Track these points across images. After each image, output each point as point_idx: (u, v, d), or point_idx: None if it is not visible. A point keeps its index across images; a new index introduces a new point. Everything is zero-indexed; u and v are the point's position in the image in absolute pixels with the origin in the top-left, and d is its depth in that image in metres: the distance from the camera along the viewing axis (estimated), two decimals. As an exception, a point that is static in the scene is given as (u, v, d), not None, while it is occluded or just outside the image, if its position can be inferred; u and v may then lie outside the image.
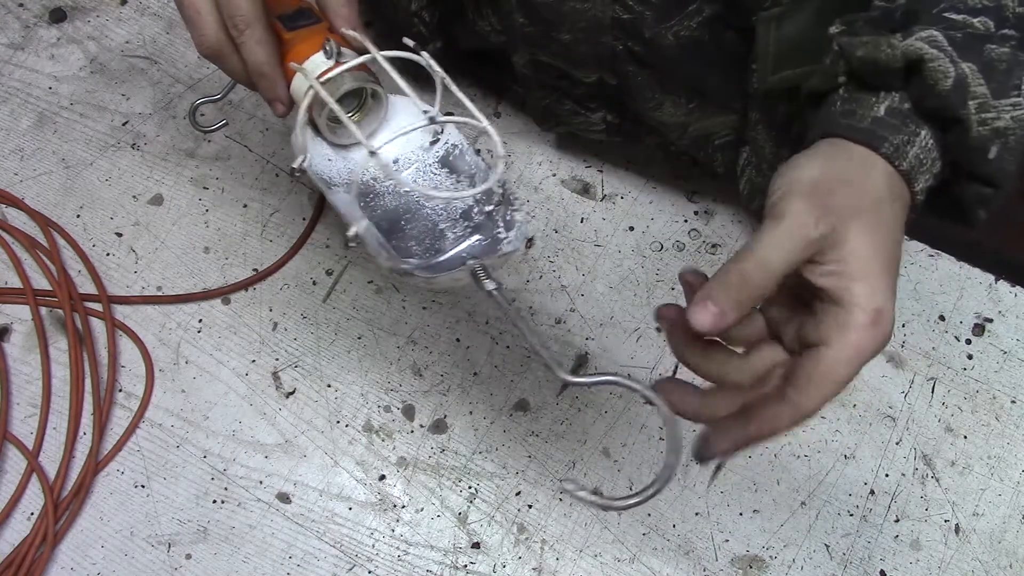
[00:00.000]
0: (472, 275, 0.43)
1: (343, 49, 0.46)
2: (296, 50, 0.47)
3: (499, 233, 0.47)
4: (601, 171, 0.74)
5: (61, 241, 0.70)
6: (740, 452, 0.40)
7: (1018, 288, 0.70)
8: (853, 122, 0.41)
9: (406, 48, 0.46)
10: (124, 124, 0.75)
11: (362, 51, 0.46)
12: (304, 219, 0.71)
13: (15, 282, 0.69)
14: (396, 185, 0.49)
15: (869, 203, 0.39)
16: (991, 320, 0.68)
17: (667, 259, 0.71)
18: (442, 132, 0.49)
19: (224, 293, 0.69)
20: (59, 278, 0.68)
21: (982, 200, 0.43)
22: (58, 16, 0.80)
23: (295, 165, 0.45)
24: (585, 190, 0.73)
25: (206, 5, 0.45)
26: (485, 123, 0.44)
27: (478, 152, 0.49)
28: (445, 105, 0.46)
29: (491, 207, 0.47)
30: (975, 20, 0.41)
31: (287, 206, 0.72)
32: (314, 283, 0.69)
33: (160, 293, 0.69)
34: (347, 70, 0.45)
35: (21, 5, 0.80)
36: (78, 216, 0.71)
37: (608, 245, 0.71)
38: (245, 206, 0.72)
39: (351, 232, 0.43)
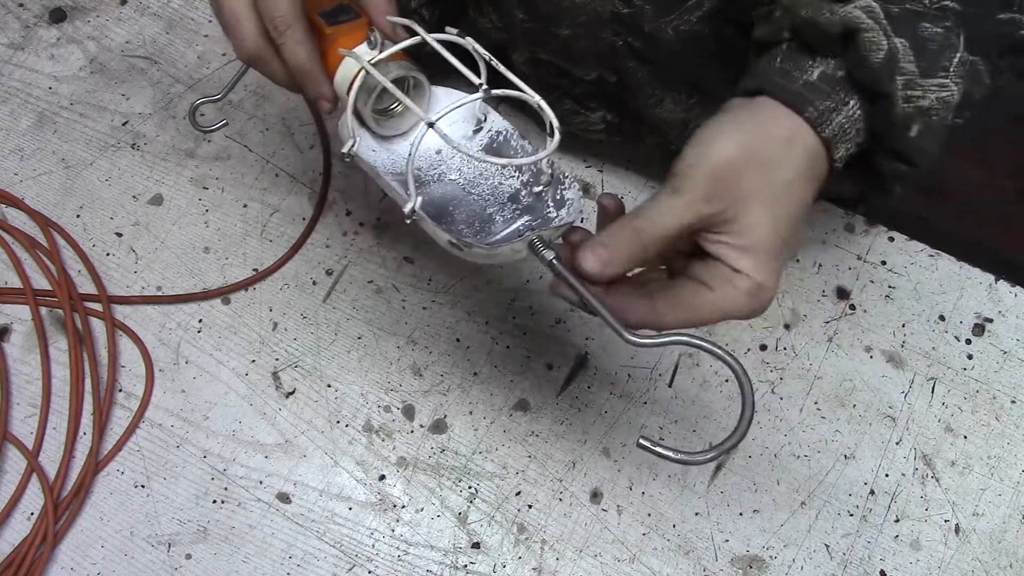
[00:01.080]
0: (530, 246, 0.44)
1: (385, 41, 0.47)
2: (338, 44, 0.47)
3: (549, 212, 0.47)
4: (601, 171, 0.74)
5: (61, 241, 0.70)
6: (571, 296, 0.42)
7: (1018, 288, 0.70)
8: (786, 82, 0.42)
9: (449, 34, 0.46)
10: (124, 124, 0.75)
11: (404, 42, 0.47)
12: (304, 219, 0.71)
13: (15, 282, 0.69)
14: (452, 161, 0.49)
15: (778, 186, 0.40)
16: (991, 320, 0.68)
17: (667, 259, 0.71)
18: (485, 120, 0.49)
19: (224, 293, 0.69)
20: (59, 278, 0.68)
21: (899, 176, 0.44)
22: (58, 16, 0.80)
23: (344, 150, 0.46)
24: (585, 190, 0.73)
25: (245, 11, 0.45)
26: (536, 97, 0.44)
27: (523, 137, 0.49)
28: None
29: (540, 188, 0.47)
30: None
31: (287, 206, 0.72)
32: (314, 283, 0.69)
33: (160, 293, 0.69)
34: (394, 52, 0.45)
35: (21, 5, 0.80)
36: (78, 216, 0.71)
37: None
38: (245, 206, 0.72)
39: (408, 207, 0.44)
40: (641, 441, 0.41)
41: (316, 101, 0.48)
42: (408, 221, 0.44)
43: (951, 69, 0.41)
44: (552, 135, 0.44)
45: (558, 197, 0.47)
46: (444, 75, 0.49)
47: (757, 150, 0.41)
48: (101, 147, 0.74)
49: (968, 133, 0.47)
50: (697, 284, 0.41)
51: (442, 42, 0.46)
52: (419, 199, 0.44)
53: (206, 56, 0.78)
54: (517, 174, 0.49)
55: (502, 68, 0.45)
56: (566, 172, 0.47)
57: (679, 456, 0.40)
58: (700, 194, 0.40)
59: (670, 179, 0.40)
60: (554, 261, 0.43)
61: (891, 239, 0.71)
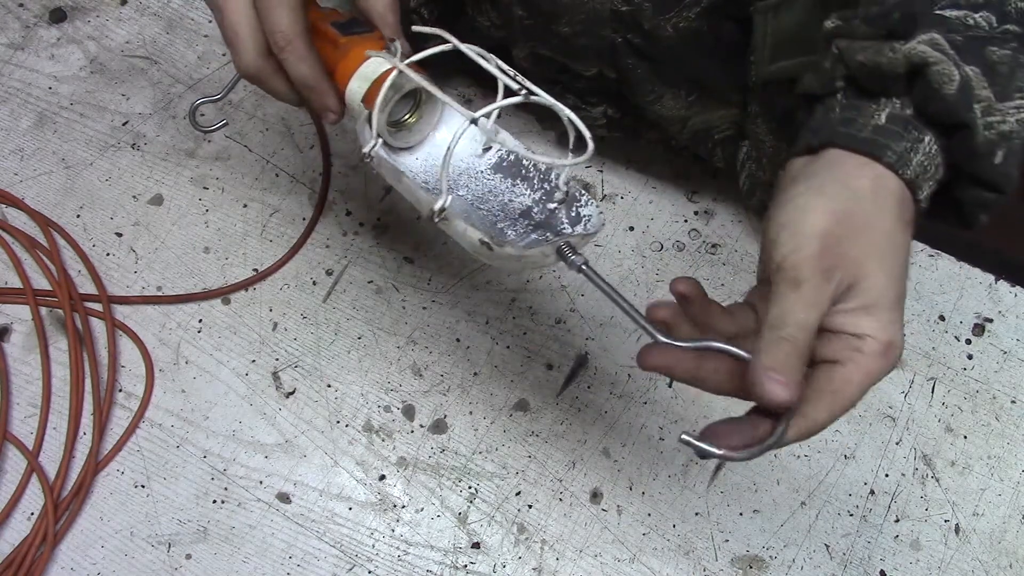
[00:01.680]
0: (558, 252, 0.43)
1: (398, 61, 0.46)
2: (352, 54, 0.47)
3: (563, 228, 0.46)
4: (601, 171, 0.74)
5: (61, 241, 0.70)
6: (742, 456, 0.40)
7: (1018, 288, 0.70)
8: (853, 131, 0.40)
9: (473, 48, 0.46)
10: (124, 124, 0.75)
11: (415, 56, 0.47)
12: (304, 219, 0.71)
13: (15, 282, 0.69)
14: (460, 178, 0.49)
15: (881, 239, 0.39)
16: (991, 320, 0.68)
17: (667, 259, 0.71)
18: (497, 135, 0.49)
19: (224, 293, 0.69)
20: (59, 278, 0.68)
21: (984, 204, 0.43)
22: (58, 16, 0.80)
23: (366, 149, 0.46)
24: (585, 189, 0.73)
25: (246, 28, 0.45)
26: (568, 112, 0.44)
27: (532, 154, 0.49)
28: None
29: (554, 205, 0.47)
30: (976, 15, 0.40)
31: (287, 206, 0.72)
32: (314, 283, 0.69)
33: (160, 293, 0.69)
34: (419, 59, 0.45)
35: (21, 5, 0.80)
36: (78, 216, 0.71)
37: (608, 245, 0.71)
38: (245, 206, 0.72)
39: (437, 205, 0.43)
40: (682, 437, 0.40)
41: (322, 113, 0.48)
42: (436, 220, 0.44)
43: None
44: (582, 148, 0.43)
45: (573, 214, 0.47)
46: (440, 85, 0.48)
47: (850, 211, 0.39)
48: (101, 147, 0.74)
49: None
50: (827, 366, 0.39)
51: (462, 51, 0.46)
52: (450, 196, 0.43)
53: (206, 56, 0.78)
54: (529, 191, 0.49)
55: (530, 84, 0.45)
56: (582, 190, 0.47)
57: (722, 451, 0.40)
58: (819, 276, 0.38)
59: (778, 275, 0.39)
60: (584, 266, 0.43)
61: (891, 239, 0.71)
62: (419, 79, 0.45)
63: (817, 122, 0.43)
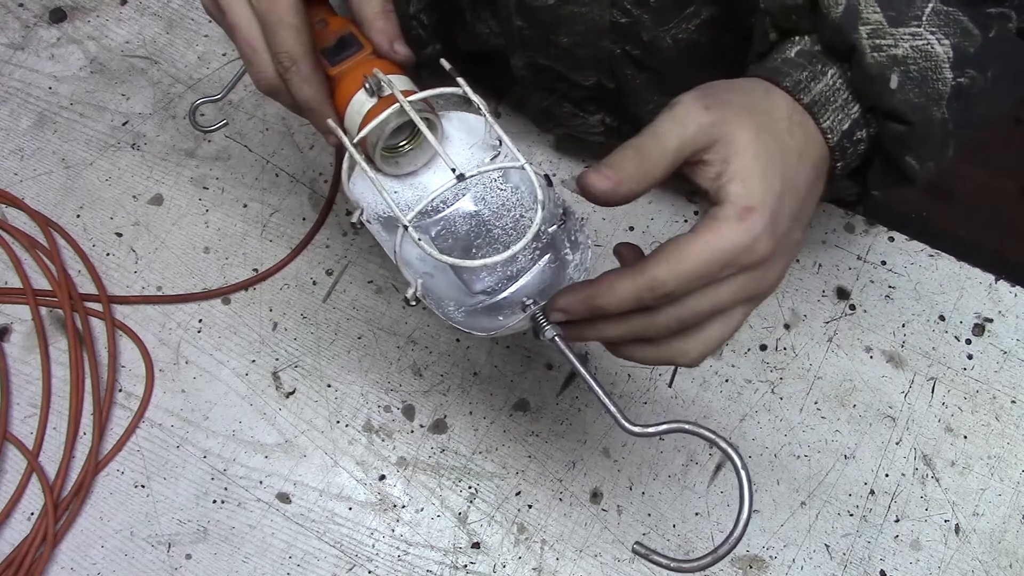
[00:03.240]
0: (532, 320, 0.43)
1: (389, 77, 0.45)
2: (342, 88, 0.46)
3: (566, 254, 0.46)
4: (601, 171, 0.74)
5: (61, 241, 0.70)
6: (576, 315, 0.41)
7: (1018, 288, 0.69)
8: (763, 63, 0.43)
9: (442, 74, 0.45)
10: (124, 124, 0.75)
11: (413, 67, 0.46)
12: (304, 219, 0.71)
13: (15, 282, 0.69)
14: (476, 188, 0.48)
15: (760, 111, 0.40)
16: (991, 320, 0.68)
17: (667, 259, 0.71)
18: (501, 146, 0.48)
19: (224, 293, 0.69)
20: (59, 278, 0.68)
21: (903, 143, 0.43)
22: (58, 16, 0.80)
23: (354, 220, 0.45)
24: (585, 190, 0.73)
25: (261, 44, 0.45)
26: (523, 161, 0.43)
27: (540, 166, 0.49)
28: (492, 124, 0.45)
29: (554, 226, 0.46)
30: None
31: (287, 206, 0.72)
32: (314, 283, 0.69)
33: (160, 293, 0.69)
34: (383, 119, 0.44)
35: (21, 5, 0.80)
36: (78, 216, 0.71)
37: (608, 245, 0.71)
38: (245, 206, 0.72)
39: (409, 292, 0.43)
40: (635, 548, 0.40)
41: (323, 135, 0.47)
42: (411, 304, 0.43)
43: (923, 18, 0.40)
44: (543, 195, 0.43)
45: (572, 238, 0.46)
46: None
47: (738, 87, 0.42)
48: (101, 147, 0.74)
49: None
50: (681, 236, 0.39)
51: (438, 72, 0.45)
52: (420, 282, 0.43)
53: (206, 56, 0.78)
54: (538, 207, 0.48)
55: (491, 120, 0.45)
56: (579, 215, 0.47)
57: (674, 564, 0.39)
58: (695, 104, 0.39)
59: (666, 107, 0.40)
60: (556, 338, 0.43)
61: (891, 239, 0.71)
62: (367, 168, 0.44)
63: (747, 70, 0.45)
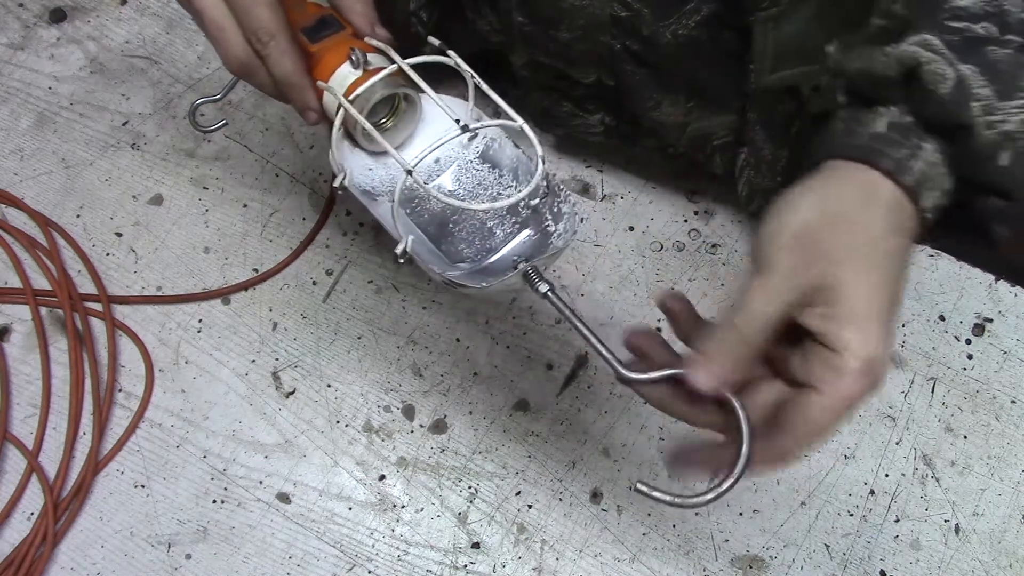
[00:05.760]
0: (524, 277, 0.43)
1: (370, 56, 0.46)
2: (323, 62, 0.46)
3: (548, 226, 0.46)
4: (601, 171, 0.74)
5: (61, 241, 0.70)
6: (694, 503, 0.40)
7: (1018, 288, 0.69)
8: (851, 140, 0.39)
9: (430, 49, 0.45)
10: (124, 124, 0.75)
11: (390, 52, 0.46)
12: (304, 219, 0.71)
13: (15, 282, 0.69)
14: (452, 171, 0.48)
15: (865, 242, 0.37)
16: (991, 320, 0.68)
17: (667, 259, 0.71)
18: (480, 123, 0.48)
19: (224, 293, 0.69)
20: (59, 278, 0.68)
21: (998, 215, 0.41)
22: (58, 16, 0.80)
23: (336, 184, 0.45)
24: (585, 190, 0.73)
25: (229, 22, 0.44)
26: (520, 122, 0.44)
27: (516, 146, 0.49)
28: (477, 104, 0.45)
29: (536, 200, 0.47)
30: (977, 26, 0.39)
31: (287, 206, 0.72)
32: (314, 283, 0.69)
33: (160, 293, 0.69)
34: (375, 82, 0.44)
35: (21, 5, 0.80)
36: (78, 216, 0.71)
37: (608, 245, 0.71)
38: (245, 206, 0.72)
39: (399, 248, 0.43)
40: (638, 487, 0.40)
41: (302, 113, 0.47)
42: (400, 261, 0.44)
43: None
44: (537, 165, 0.43)
45: (555, 210, 0.46)
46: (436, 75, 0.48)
47: (835, 209, 0.38)
48: (101, 147, 0.74)
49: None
50: (804, 393, 0.37)
51: (427, 53, 0.45)
52: (411, 237, 0.43)
53: (206, 56, 0.78)
54: (515, 184, 0.48)
55: (486, 87, 0.45)
56: (561, 184, 0.46)
57: (678, 500, 0.39)
58: (790, 265, 0.37)
59: (755, 262, 0.38)
60: (549, 293, 0.42)
61: (891, 239, 0.71)
62: (360, 118, 0.44)
63: (819, 140, 0.42)
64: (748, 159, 0.63)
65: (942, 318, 0.69)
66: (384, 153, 0.49)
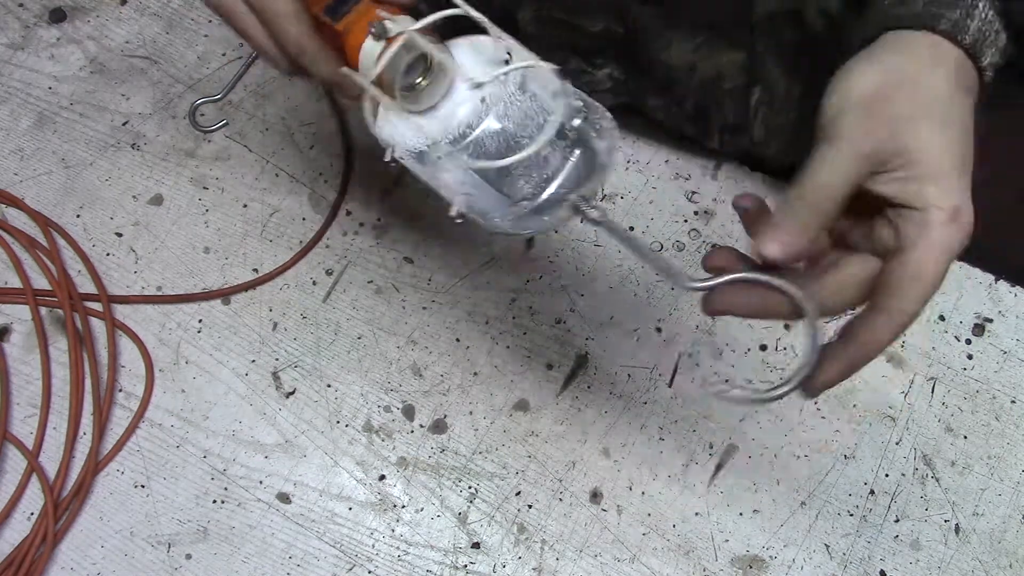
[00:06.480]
0: (574, 209, 0.44)
1: (396, 17, 0.46)
2: (351, 41, 0.46)
3: (596, 141, 0.46)
4: (601, 171, 0.74)
5: (61, 241, 0.70)
6: (847, 378, 0.39)
7: (1018, 288, 0.69)
8: (905, 9, 0.39)
9: (446, 4, 0.46)
10: (124, 124, 0.75)
11: (414, 8, 0.46)
12: (304, 219, 0.71)
13: (15, 282, 0.69)
14: (498, 107, 0.49)
15: (933, 101, 0.37)
16: (991, 320, 0.68)
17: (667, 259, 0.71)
18: (511, 58, 0.48)
19: (224, 293, 0.69)
20: (59, 278, 0.68)
21: None
22: (58, 16, 0.80)
23: (387, 159, 0.46)
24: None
25: (267, 42, 0.45)
26: (532, 59, 0.44)
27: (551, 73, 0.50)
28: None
29: (578, 119, 0.46)
30: None
31: (287, 206, 0.72)
32: (314, 283, 0.69)
33: (160, 293, 0.69)
34: (393, 55, 0.45)
35: (21, 5, 0.80)
36: (78, 216, 0.71)
37: (608, 245, 0.71)
38: (245, 206, 0.72)
39: (453, 211, 0.43)
40: (709, 389, 0.39)
41: (355, 101, 0.47)
42: (457, 222, 0.44)
43: None
44: (561, 89, 0.43)
45: (598, 127, 0.46)
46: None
47: (902, 73, 0.37)
48: (101, 147, 0.74)
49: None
50: (898, 257, 0.36)
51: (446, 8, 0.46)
52: (461, 197, 0.44)
53: (206, 56, 0.78)
54: (558, 106, 0.48)
55: (497, 30, 0.45)
56: (589, 99, 0.47)
57: (754, 396, 0.38)
58: (859, 132, 0.36)
59: (819, 132, 0.37)
60: (601, 219, 0.43)
61: (891, 239, 0.71)
62: (424, 44, 0.44)
63: (868, 16, 0.41)
64: (762, 97, 0.62)
65: (942, 318, 0.69)
66: (431, 109, 0.49)
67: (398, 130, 0.48)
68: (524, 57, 0.45)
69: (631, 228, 0.72)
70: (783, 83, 0.60)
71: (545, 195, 0.46)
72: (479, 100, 0.49)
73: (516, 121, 0.49)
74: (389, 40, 0.45)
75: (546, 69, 0.44)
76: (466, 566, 0.60)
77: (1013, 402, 0.66)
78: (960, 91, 0.38)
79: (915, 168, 0.36)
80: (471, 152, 0.49)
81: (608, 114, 0.45)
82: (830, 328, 0.40)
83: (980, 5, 0.39)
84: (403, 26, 0.45)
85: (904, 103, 0.37)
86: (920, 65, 0.38)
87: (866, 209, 0.38)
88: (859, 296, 0.39)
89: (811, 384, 0.39)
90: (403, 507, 0.62)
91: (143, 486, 0.63)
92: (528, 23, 0.64)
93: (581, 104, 0.46)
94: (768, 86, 0.61)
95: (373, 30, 0.45)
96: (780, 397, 0.38)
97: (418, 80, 0.49)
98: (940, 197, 0.36)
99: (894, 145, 0.36)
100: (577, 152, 0.47)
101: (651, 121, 0.71)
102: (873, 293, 0.38)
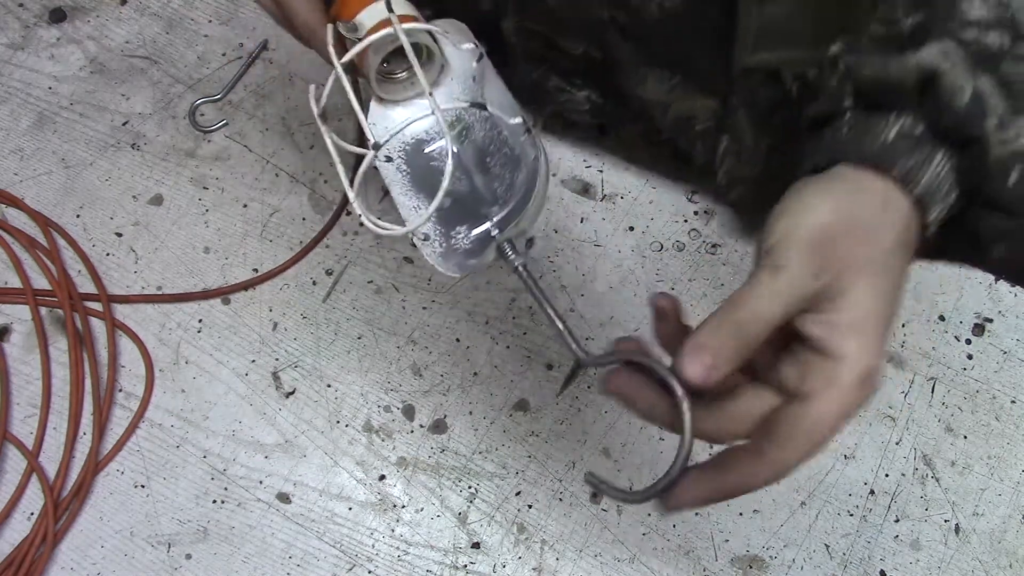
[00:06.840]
0: (498, 251, 0.44)
1: (367, 11, 0.45)
2: (348, 5, 0.46)
3: (537, 156, 0.46)
4: (601, 171, 0.74)
5: (61, 241, 0.70)
6: (708, 505, 0.38)
7: (1018, 288, 0.69)
8: (862, 146, 0.38)
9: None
10: (124, 124, 0.75)
11: None
12: (304, 219, 0.71)
13: (15, 282, 0.69)
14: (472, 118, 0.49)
15: (879, 254, 0.36)
16: (991, 320, 0.68)
17: (667, 259, 0.71)
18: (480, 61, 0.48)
19: (224, 293, 0.69)
20: (59, 278, 0.68)
21: (999, 234, 0.40)
22: (58, 16, 0.80)
23: (365, 162, 0.47)
24: (585, 190, 0.73)
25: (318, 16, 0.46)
26: (436, 30, 0.45)
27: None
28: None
29: (523, 137, 0.47)
30: (989, 34, 0.38)
31: (287, 206, 0.72)
32: (314, 283, 0.69)
33: (160, 293, 0.69)
34: (370, 42, 0.45)
35: (21, 5, 0.80)
36: (78, 216, 0.71)
37: (608, 245, 0.71)
38: (245, 206, 0.72)
39: (407, 231, 0.45)
40: (588, 477, 0.39)
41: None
42: (413, 244, 0.45)
43: None
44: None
45: (535, 142, 0.46)
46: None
47: (855, 215, 0.36)
48: (101, 147, 0.74)
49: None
50: (798, 403, 0.35)
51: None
52: (417, 224, 0.45)
53: (206, 56, 0.78)
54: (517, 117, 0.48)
55: (437, 32, 0.45)
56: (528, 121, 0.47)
57: (620, 495, 0.38)
58: (806, 271, 0.35)
59: (763, 256, 0.36)
60: (520, 268, 0.43)
61: (891, 239, 0.71)
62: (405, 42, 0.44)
63: (824, 142, 0.41)
64: (729, 147, 0.63)
65: (942, 318, 0.69)
66: (408, 99, 0.49)
67: (383, 121, 0.48)
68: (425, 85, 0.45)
69: (631, 228, 0.72)
70: (751, 136, 0.60)
71: (508, 207, 0.47)
72: (436, 116, 0.48)
73: (482, 145, 0.49)
74: (372, 26, 0.45)
75: (439, 114, 0.44)
76: (466, 566, 0.60)
77: (1013, 402, 0.66)
78: (901, 247, 0.37)
79: (843, 316, 0.35)
80: (462, 140, 0.49)
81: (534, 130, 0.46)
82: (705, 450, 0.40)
83: (936, 158, 0.38)
84: (399, 10, 0.45)
85: (851, 249, 0.36)
86: (872, 211, 0.37)
87: (776, 337, 0.37)
88: (747, 431, 0.38)
89: (669, 500, 0.39)
90: (403, 507, 0.62)
91: (143, 486, 0.63)
92: (511, 33, 0.64)
93: (521, 120, 0.47)
94: (737, 136, 0.61)
95: (341, 27, 0.45)
96: (633, 502, 0.38)
97: (398, 72, 0.49)
98: (858, 354, 0.35)
99: (830, 289, 0.36)
100: (542, 153, 0.47)
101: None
102: (760, 433, 0.37)
